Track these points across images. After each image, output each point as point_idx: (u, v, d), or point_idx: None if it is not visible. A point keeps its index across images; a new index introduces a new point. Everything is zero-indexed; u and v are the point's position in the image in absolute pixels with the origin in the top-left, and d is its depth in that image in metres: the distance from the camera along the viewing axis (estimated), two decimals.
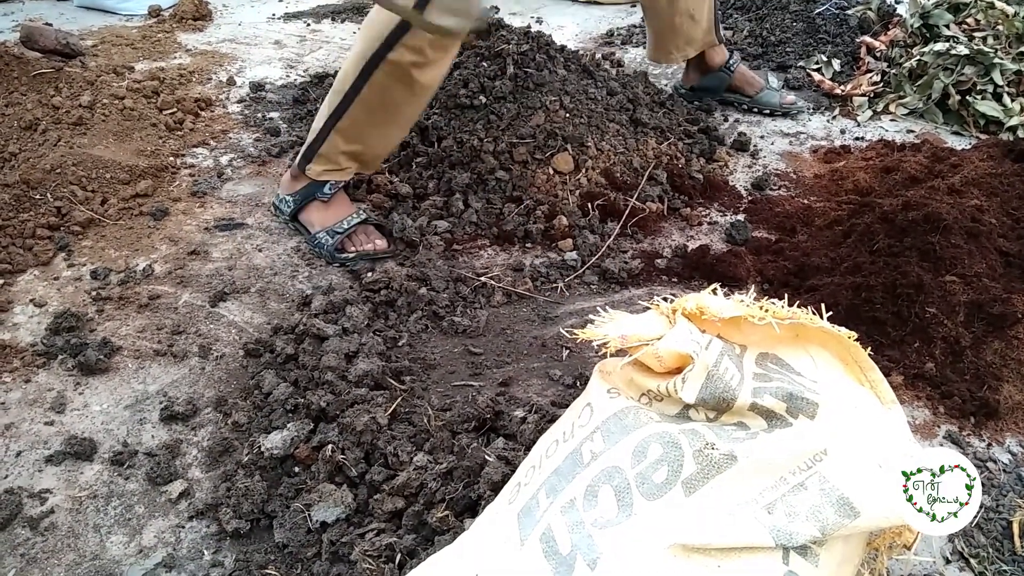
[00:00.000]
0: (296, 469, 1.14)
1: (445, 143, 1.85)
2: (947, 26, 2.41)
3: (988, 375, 1.29)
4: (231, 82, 2.41)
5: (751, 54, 2.66)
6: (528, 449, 0.98)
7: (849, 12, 2.78)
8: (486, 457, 1.03)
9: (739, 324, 0.87)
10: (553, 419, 1.04)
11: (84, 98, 1.92)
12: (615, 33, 2.95)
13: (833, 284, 1.44)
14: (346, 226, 1.61)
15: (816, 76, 2.46)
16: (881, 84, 2.40)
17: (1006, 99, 2.19)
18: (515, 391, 1.28)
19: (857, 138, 2.20)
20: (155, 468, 1.15)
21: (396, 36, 1.38)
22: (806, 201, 1.86)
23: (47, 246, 1.62)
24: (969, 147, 2.01)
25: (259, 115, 2.23)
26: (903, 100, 2.32)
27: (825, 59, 2.54)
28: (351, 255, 1.61)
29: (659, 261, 1.64)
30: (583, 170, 1.80)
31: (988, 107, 2.18)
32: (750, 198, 1.91)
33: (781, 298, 0.89)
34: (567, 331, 1.33)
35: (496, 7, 3.07)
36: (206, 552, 1.05)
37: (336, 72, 2.45)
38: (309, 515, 1.04)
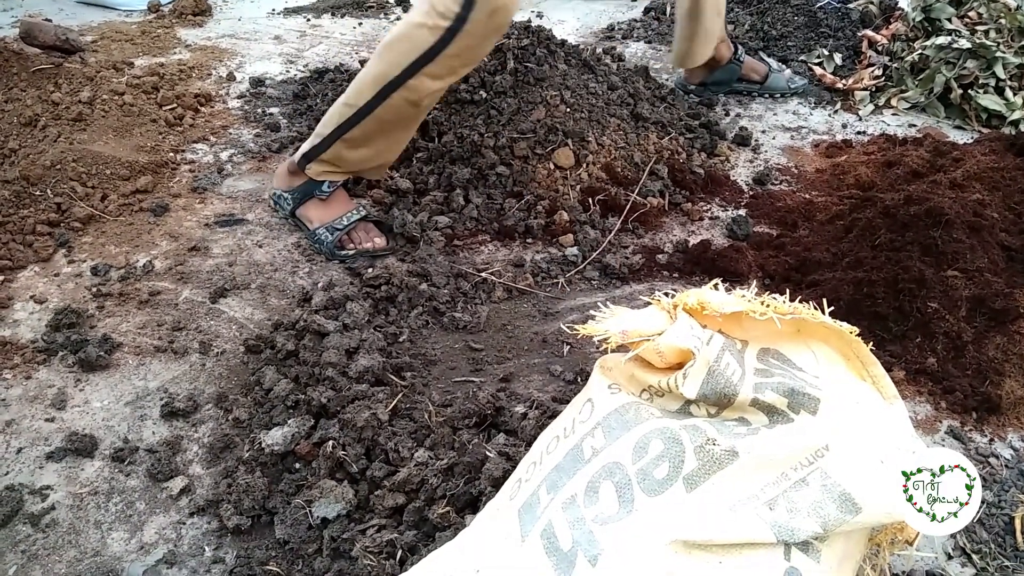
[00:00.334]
0: (297, 465, 1.14)
1: (445, 138, 1.85)
2: (949, 20, 2.40)
3: (990, 370, 1.28)
4: (231, 77, 2.40)
5: (753, 48, 2.65)
6: (529, 445, 0.98)
7: (851, 6, 2.77)
8: (487, 453, 1.03)
9: (740, 319, 0.87)
10: (554, 415, 1.04)
11: (84, 94, 1.92)
12: (616, 27, 2.94)
13: (835, 279, 1.44)
14: (345, 223, 1.61)
15: (818, 70, 2.45)
16: (883, 78, 2.39)
17: (1008, 93, 2.18)
18: (516, 387, 1.28)
19: (859, 132, 2.19)
20: (156, 464, 1.15)
21: (420, 65, 1.40)
22: (807, 196, 1.85)
23: (47, 242, 1.62)
24: (971, 141, 2.01)
25: (259, 111, 2.22)
26: (905, 94, 2.32)
27: (827, 53, 2.53)
28: (351, 252, 1.61)
29: (660, 256, 1.64)
30: (584, 165, 1.79)
31: (990, 101, 2.17)
32: (751, 193, 1.90)
33: (782, 293, 0.89)
34: (568, 327, 1.33)
35: None
36: (207, 548, 1.06)
37: (335, 68, 2.47)
38: (310, 511, 1.04)
